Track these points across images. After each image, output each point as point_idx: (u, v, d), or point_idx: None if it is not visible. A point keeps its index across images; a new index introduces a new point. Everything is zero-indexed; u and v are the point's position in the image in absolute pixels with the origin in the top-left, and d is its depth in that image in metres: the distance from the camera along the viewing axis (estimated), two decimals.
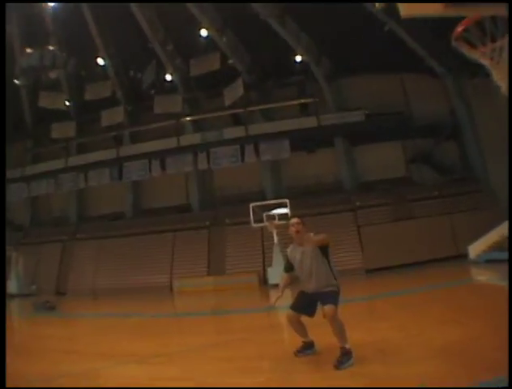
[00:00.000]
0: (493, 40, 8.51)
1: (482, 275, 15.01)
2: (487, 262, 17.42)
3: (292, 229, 5.35)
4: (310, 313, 5.32)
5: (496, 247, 17.78)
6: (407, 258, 20.81)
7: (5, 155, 22.34)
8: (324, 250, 5.24)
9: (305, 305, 5.30)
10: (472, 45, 9.01)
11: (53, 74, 26.59)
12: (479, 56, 9.16)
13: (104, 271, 26.39)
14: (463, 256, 19.38)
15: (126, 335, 9.32)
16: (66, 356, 6.96)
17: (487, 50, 8.82)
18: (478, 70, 23.50)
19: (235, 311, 12.95)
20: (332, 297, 5.04)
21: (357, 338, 5.53)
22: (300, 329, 5.43)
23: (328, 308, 4.88)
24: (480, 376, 3.95)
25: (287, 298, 5.53)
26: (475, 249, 18.85)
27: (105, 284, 25.32)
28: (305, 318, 5.39)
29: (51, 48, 25.47)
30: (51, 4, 24.85)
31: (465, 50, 9.33)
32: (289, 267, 5.54)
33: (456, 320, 6.79)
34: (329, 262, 5.24)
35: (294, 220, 5.39)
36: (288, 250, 5.60)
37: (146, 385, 4.89)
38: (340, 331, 4.87)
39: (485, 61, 9.14)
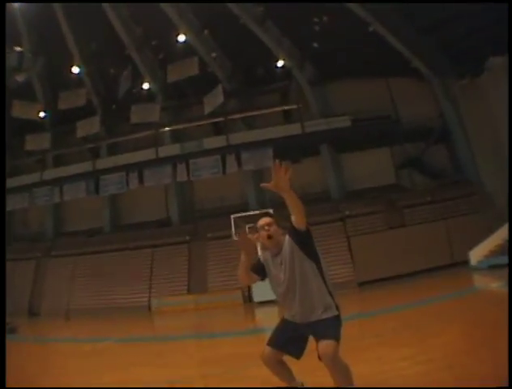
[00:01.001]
0: None
1: (491, 283, 13.58)
2: (490, 267, 16.20)
3: (263, 235, 3.59)
4: (296, 352, 3.58)
5: (498, 252, 16.64)
6: (401, 268, 19.74)
7: (5, 154, 20.67)
8: (304, 243, 3.45)
9: (289, 339, 3.57)
10: None
11: (20, 78, 24.93)
12: None
13: (79, 290, 25.07)
14: (462, 263, 18.30)
15: (75, 367, 7.76)
16: None
17: None
18: (464, 71, 23.23)
19: (214, 335, 11.43)
20: (330, 328, 3.31)
21: (365, 375, 3.98)
22: (283, 372, 3.64)
23: (325, 345, 3.16)
24: None
25: (273, 318, 3.81)
26: (476, 254, 17.71)
27: (80, 304, 23.98)
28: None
29: (18, 49, 23.91)
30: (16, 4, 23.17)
31: None
32: (255, 269, 3.70)
33: (488, 342, 5.29)
34: (319, 269, 3.48)
35: (263, 221, 3.62)
36: (261, 255, 3.80)
37: None
38: (344, 377, 3.16)
39: None
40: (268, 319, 8.02)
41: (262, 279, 3.77)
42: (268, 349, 3.59)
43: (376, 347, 6.19)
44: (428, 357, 4.89)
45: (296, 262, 3.45)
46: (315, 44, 26.20)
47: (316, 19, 24.69)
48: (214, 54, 27.09)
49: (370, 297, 16.62)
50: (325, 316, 3.39)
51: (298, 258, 3.45)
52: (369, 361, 5.00)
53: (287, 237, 3.55)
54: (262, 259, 3.74)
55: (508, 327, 4.14)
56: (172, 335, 12.66)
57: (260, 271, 3.71)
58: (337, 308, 3.47)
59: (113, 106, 29.86)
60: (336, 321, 3.41)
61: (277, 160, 3.29)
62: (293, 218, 3.40)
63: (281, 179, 3.26)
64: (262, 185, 3.51)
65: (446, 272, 17.98)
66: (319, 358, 3.21)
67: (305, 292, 3.45)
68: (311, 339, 3.45)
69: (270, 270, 3.64)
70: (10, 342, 12.71)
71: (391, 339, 6.62)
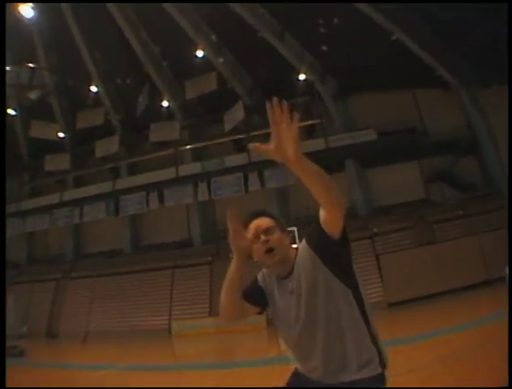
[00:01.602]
0: None
1: None
2: None
3: (258, 249, 2.33)
4: None
5: None
6: (434, 287, 18.44)
7: (5, 160, 20.36)
8: (336, 256, 2.15)
9: None
10: None
11: (32, 95, 24.67)
12: None
13: (98, 312, 24.41)
14: (499, 280, 17.00)
15: None
16: None
17: None
18: (491, 79, 22.21)
19: (232, 364, 10.52)
20: None
21: None
22: None
23: None
24: None
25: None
26: None
27: (99, 327, 23.36)
28: None
29: (31, 65, 23.67)
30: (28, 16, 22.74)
31: None
32: (250, 294, 2.41)
33: None
34: (358, 299, 2.24)
35: (256, 224, 2.36)
36: (260, 276, 2.52)
37: None
38: None
39: None
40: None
41: (261, 311, 2.47)
42: None
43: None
44: None
45: (321, 289, 2.14)
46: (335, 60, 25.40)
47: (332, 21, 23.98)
48: (221, 60, 26.40)
49: (401, 319, 15.48)
50: (362, 375, 2.09)
51: (324, 281, 2.14)
52: None
53: (302, 245, 2.24)
54: (260, 282, 2.47)
55: (508, 328, 4.13)
56: (187, 364, 11.78)
57: (259, 298, 2.40)
58: (381, 361, 2.16)
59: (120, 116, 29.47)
60: (379, 383, 2.11)
61: (275, 99, 1.72)
62: (323, 213, 2.04)
63: (286, 135, 1.74)
64: (253, 145, 1.90)
65: (483, 290, 16.79)
66: None
67: (332, 335, 2.14)
68: None
69: (275, 301, 2.34)
70: (15, 367, 12.02)
71: (431, 377, 5.47)
